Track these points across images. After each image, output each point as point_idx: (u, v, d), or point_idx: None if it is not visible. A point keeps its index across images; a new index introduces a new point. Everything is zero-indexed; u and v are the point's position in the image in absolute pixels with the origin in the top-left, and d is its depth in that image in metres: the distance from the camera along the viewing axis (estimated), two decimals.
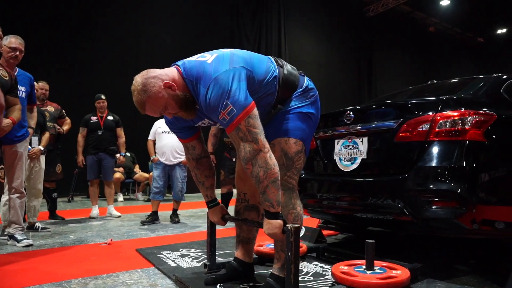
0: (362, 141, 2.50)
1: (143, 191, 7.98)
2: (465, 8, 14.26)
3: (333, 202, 2.66)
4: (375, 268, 1.93)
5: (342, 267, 2.00)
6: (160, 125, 4.77)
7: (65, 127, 4.94)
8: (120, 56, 8.73)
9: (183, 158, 4.66)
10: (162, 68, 1.76)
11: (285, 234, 1.60)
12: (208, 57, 1.73)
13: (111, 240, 3.42)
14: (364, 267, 1.96)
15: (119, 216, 5.10)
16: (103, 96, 5.20)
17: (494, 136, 2.19)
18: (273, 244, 2.48)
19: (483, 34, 17.62)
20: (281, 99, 1.89)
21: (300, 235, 1.69)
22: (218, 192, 8.97)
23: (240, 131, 1.61)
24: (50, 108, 4.77)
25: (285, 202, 1.86)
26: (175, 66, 1.80)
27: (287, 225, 1.60)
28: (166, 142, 4.64)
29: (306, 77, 2.02)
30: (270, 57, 1.96)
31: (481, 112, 2.20)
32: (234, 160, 4.45)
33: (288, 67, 1.95)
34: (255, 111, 1.64)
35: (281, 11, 11.78)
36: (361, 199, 2.46)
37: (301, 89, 1.94)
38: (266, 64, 1.86)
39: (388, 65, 15.24)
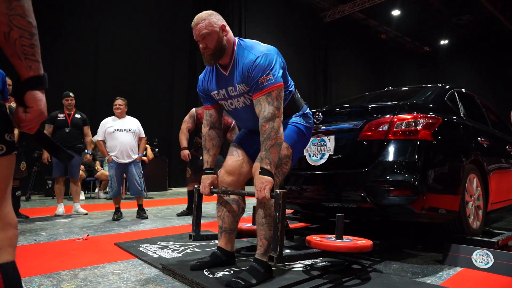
0: (329, 139, 2.82)
1: (104, 189, 7.88)
2: (414, 19, 15.34)
3: (303, 193, 2.95)
4: (343, 239, 2.22)
5: (315, 237, 2.28)
6: (110, 124, 4.75)
7: None
8: (83, 55, 8.63)
9: (136, 156, 4.77)
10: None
11: (274, 198, 1.85)
12: (261, 43, 2.13)
13: (88, 235, 3.45)
14: (334, 238, 2.24)
15: (86, 214, 5.08)
16: (71, 94, 5.16)
17: (439, 136, 2.59)
18: (249, 224, 2.73)
19: (429, 43, 19.01)
20: (284, 115, 2.15)
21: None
22: (184, 190, 9.09)
23: (270, 96, 1.96)
24: (13, 104, 4.68)
25: (271, 211, 2.06)
26: (235, 37, 2.16)
27: (276, 190, 1.85)
28: (119, 141, 4.65)
29: (308, 108, 2.36)
30: None
31: (429, 115, 2.60)
32: (201, 158, 4.58)
33: (298, 94, 2.32)
34: (283, 90, 2.03)
35: (242, 11, 12.04)
36: (328, 190, 2.77)
37: (302, 113, 2.28)
38: (290, 79, 2.23)
39: (343, 69, 16.00)
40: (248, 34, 12.15)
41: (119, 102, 4.81)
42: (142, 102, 9.22)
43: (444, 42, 18.45)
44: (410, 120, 2.52)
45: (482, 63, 16.87)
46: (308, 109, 2.35)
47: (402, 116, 2.55)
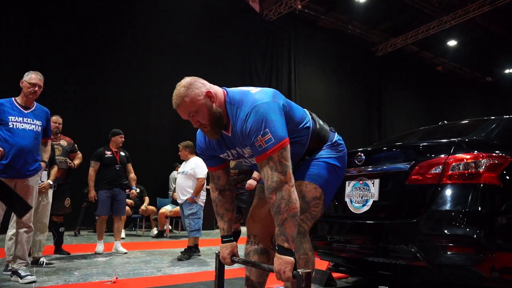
0: (373, 183, 2.47)
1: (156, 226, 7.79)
2: (473, 48, 14.47)
3: (344, 245, 2.59)
4: None
5: None
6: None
7: (76, 161, 4.98)
8: (132, 94, 8.98)
9: (187, 196, 4.91)
10: None
11: (296, 279, 1.54)
12: (252, 88, 1.81)
13: (116, 278, 3.34)
14: None
15: (126, 253, 5.03)
16: (121, 132, 5.30)
17: (509, 179, 2.15)
18: (282, 287, 2.40)
19: (492, 73, 17.77)
20: (310, 151, 1.91)
21: None
22: None
23: (271, 161, 1.63)
24: (63, 142, 4.84)
25: (296, 247, 1.80)
26: (222, 89, 1.86)
27: (298, 270, 1.55)
28: (177, 182, 5.12)
29: (336, 133, 2.04)
30: (305, 110, 2.01)
31: (494, 154, 2.18)
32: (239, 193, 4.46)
33: (320, 122, 2.00)
34: (289, 146, 1.67)
35: (291, 49, 12.06)
36: (372, 243, 2.39)
37: (330, 143, 1.96)
38: (302, 113, 1.92)
39: (397, 103, 15.35)
40: (298, 74, 12.11)
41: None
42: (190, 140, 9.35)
43: (509, 71, 17.16)
44: (469, 161, 2.11)
45: None
46: (336, 135, 2.03)
47: (460, 155, 2.15)
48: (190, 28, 9.80)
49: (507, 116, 2.84)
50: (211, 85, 1.81)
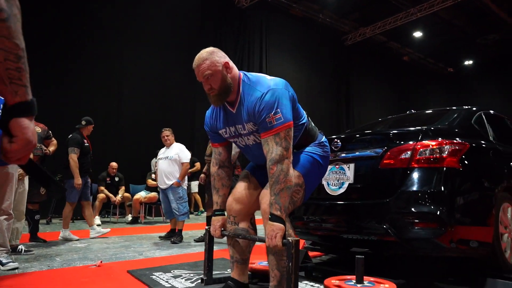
0: (349, 167, 2.68)
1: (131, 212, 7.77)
2: (437, 40, 15.13)
3: (321, 224, 2.80)
4: (364, 282, 2.06)
5: (334, 281, 2.13)
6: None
7: (52, 148, 4.91)
8: (104, 79, 8.81)
9: (172, 181, 4.97)
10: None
11: (286, 247, 1.73)
12: (266, 75, 2.04)
13: (101, 262, 3.41)
14: (354, 281, 2.08)
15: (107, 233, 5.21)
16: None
17: (467, 163, 2.42)
18: (264, 262, 2.59)
19: (453, 64, 18.65)
20: (298, 145, 2.09)
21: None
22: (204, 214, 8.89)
23: (278, 137, 1.85)
24: (38, 128, 4.75)
25: (283, 261, 1.94)
26: (239, 71, 2.08)
27: (288, 238, 1.74)
28: (159, 167, 5.14)
29: (324, 136, 2.26)
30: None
31: (456, 141, 2.44)
32: None
33: (312, 123, 2.21)
34: (293, 128, 1.91)
35: (263, 37, 12.17)
36: (347, 221, 2.61)
37: (317, 142, 2.18)
38: (302, 110, 2.14)
39: (365, 91, 15.84)
40: (269, 60, 12.26)
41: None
42: (164, 127, 9.31)
43: (468, 62, 18.07)
44: (434, 147, 2.36)
45: (509, 83, 16.34)
46: (324, 137, 2.24)
47: (426, 142, 2.40)
48: (162, 13, 9.68)
49: (466, 107, 3.14)
50: (230, 60, 2.03)
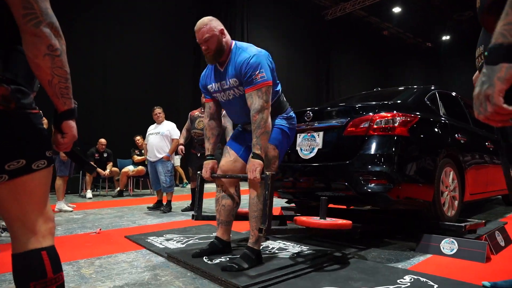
0: (318, 135, 3.15)
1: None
2: (416, 15, 15.53)
3: (296, 184, 3.29)
4: (326, 219, 2.53)
5: (302, 217, 2.60)
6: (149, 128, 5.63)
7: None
8: (90, 56, 8.96)
9: (163, 155, 5.33)
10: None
11: (264, 179, 2.15)
12: (254, 46, 2.43)
13: (100, 229, 3.75)
14: (319, 218, 2.55)
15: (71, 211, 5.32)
16: None
17: (416, 133, 2.91)
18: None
19: (432, 39, 19.16)
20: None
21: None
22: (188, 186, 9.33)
23: (260, 91, 2.26)
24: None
25: (261, 191, 2.33)
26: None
27: (266, 172, 2.17)
28: (150, 142, 5.48)
29: (292, 111, 2.61)
30: None
31: (407, 114, 2.92)
32: (199, 155, 5.01)
33: (284, 98, 2.57)
34: (271, 86, 2.31)
35: (244, 11, 12.29)
36: (317, 180, 3.10)
37: (286, 115, 2.53)
38: (278, 82, 2.50)
39: (345, 67, 16.20)
40: (250, 35, 12.41)
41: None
42: (149, 104, 9.56)
43: (445, 38, 18.61)
44: (388, 118, 2.84)
45: None
46: (292, 112, 2.59)
47: (382, 114, 2.87)
48: None
49: (424, 86, 3.63)
50: (225, 28, 2.45)
